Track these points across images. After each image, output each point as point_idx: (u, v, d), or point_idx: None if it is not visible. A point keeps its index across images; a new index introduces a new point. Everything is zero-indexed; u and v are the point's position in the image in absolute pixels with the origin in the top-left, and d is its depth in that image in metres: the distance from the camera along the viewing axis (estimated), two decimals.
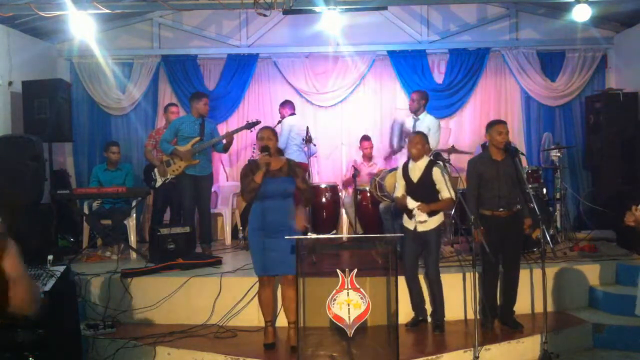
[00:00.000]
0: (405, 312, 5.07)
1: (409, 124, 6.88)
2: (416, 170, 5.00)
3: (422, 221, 4.90)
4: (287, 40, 8.19)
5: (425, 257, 5.04)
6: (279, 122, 7.31)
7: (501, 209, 4.89)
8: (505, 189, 4.88)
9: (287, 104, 7.41)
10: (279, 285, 4.82)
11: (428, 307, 5.20)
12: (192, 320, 5.29)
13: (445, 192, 4.90)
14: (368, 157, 7.42)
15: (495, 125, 4.95)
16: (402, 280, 4.92)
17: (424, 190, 4.94)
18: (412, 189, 5.00)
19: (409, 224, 5.02)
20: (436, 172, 4.92)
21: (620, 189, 6.81)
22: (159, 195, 7.05)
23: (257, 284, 5.22)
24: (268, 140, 4.54)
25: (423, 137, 5.09)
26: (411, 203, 4.93)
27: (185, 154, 6.44)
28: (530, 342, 4.84)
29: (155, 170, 6.87)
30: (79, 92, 8.10)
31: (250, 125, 6.62)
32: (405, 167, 5.11)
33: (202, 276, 5.50)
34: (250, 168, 4.56)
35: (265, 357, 4.57)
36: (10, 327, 3.00)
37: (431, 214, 4.93)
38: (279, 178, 4.50)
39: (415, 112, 6.79)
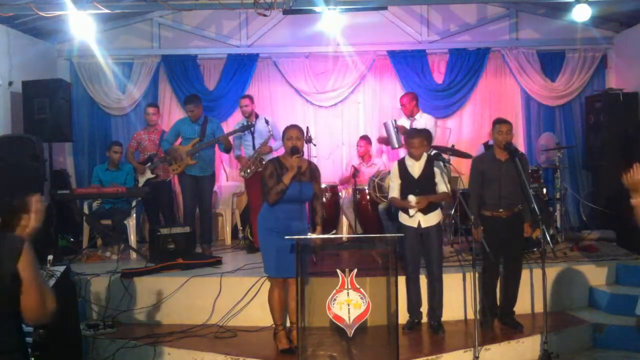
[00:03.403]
0: (406, 312, 5.07)
1: (405, 124, 6.89)
2: (416, 167, 4.98)
3: (414, 214, 4.89)
4: (287, 40, 8.19)
5: (427, 254, 5.01)
6: (247, 124, 6.72)
7: (501, 210, 4.89)
8: (507, 189, 4.87)
9: (252, 99, 7.03)
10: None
11: (423, 309, 5.16)
12: (192, 320, 5.29)
13: (442, 186, 4.91)
14: (363, 157, 7.40)
15: (497, 125, 4.96)
16: (401, 280, 4.91)
17: (425, 185, 4.91)
18: (413, 185, 4.96)
19: (409, 222, 4.98)
20: (435, 168, 4.93)
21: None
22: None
23: (258, 284, 5.26)
24: (297, 140, 4.44)
25: (422, 137, 5.05)
26: (412, 199, 4.86)
27: (181, 155, 6.46)
28: (530, 342, 4.83)
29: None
30: (79, 92, 8.09)
31: (244, 128, 6.60)
32: (403, 165, 5.05)
33: (202, 276, 5.49)
34: (275, 168, 4.41)
35: (265, 357, 4.56)
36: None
37: (431, 209, 4.91)
38: (303, 183, 4.42)
39: (410, 114, 6.81)
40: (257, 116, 6.82)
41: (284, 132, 4.55)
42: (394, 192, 5.08)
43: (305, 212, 4.57)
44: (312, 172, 4.57)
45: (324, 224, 6.35)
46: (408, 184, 4.99)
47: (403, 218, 5.04)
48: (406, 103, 6.85)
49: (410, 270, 5.04)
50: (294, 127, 4.58)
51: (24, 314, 2.22)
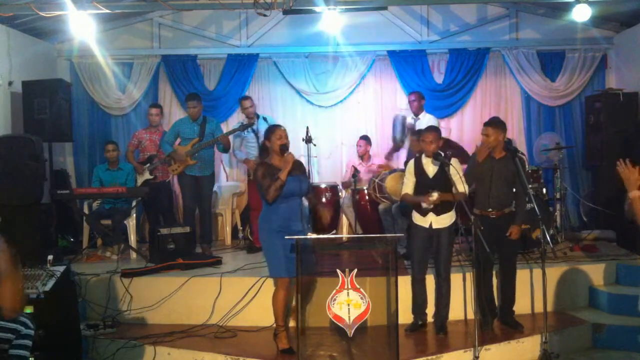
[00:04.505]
0: (407, 312, 5.06)
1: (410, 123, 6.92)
2: (430, 165, 4.91)
3: (427, 207, 4.81)
4: (287, 40, 8.19)
5: (436, 255, 4.96)
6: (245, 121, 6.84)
7: (490, 209, 4.88)
8: (497, 188, 4.86)
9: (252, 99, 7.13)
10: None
11: (429, 311, 5.14)
12: (192, 320, 5.29)
13: (460, 186, 4.76)
14: (362, 157, 7.41)
15: (483, 126, 4.97)
16: (402, 280, 4.89)
17: (441, 184, 4.81)
18: (429, 184, 4.87)
19: (421, 221, 4.91)
20: (452, 168, 4.78)
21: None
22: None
23: (258, 284, 5.27)
24: (285, 138, 4.55)
25: (436, 133, 4.97)
26: (435, 195, 4.75)
27: (181, 155, 6.46)
28: (530, 342, 4.83)
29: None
30: (79, 92, 8.10)
31: (243, 127, 6.61)
32: (419, 163, 4.97)
33: (202, 276, 5.49)
34: (265, 168, 4.46)
35: (265, 357, 4.56)
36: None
37: (445, 210, 4.86)
38: (297, 176, 4.49)
39: (416, 113, 6.85)
40: (257, 116, 6.84)
41: (272, 132, 4.58)
42: (407, 189, 5.02)
43: (305, 211, 4.60)
44: (301, 166, 4.65)
45: (324, 224, 6.36)
46: (423, 182, 4.92)
47: (415, 217, 4.97)
48: (415, 99, 6.93)
49: (417, 270, 5.01)
50: (280, 126, 4.66)
51: (2, 304, 2.32)
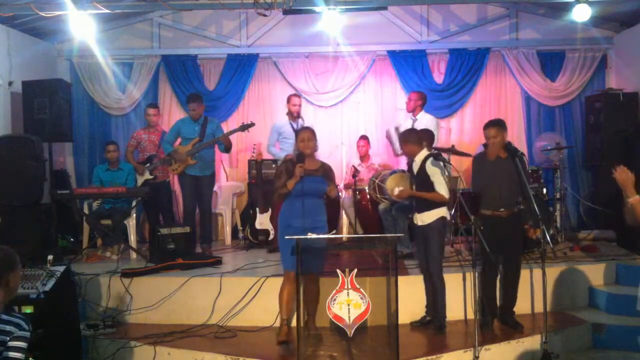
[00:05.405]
0: (407, 312, 5.05)
1: (407, 125, 6.91)
2: (416, 164, 5.07)
3: (397, 194, 5.15)
4: (287, 40, 8.19)
5: (426, 253, 5.04)
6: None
7: (502, 209, 4.90)
8: (506, 188, 4.88)
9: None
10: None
11: None
12: (192, 320, 5.29)
13: (438, 187, 4.88)
14: (362, 157, 7.42)
15: (484, 130, 4.99)
16: (402, 280, 4.89)
17: (420, 181, 4.98)
18: (414, 181, 5.12)
19: (414, 219, 5.10)
20: (428, 166, 4.91)
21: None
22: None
23: (258, 284, 5.28)
24: (309, 141, 4.62)
25: (411, 137, 5.14)
26: (395, 190, 5.15)
27: (181, 155, 6.46)
28: (530, 342, 4.83)
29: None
30: (79, 92, 8.10)
31: (244, 127, 6.63)
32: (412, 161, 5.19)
33: (202, 276, 5.49)
34: (286, 167, 4.60)
35: (265, 357, 4.56)
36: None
37: (424, 208, 4.93)
38: (317, 177, 4.59)
39: (412, 111, 6.84)
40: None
41: (297, 135, 4.75)
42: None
43: (323, 209, 4.68)
44: (327, 171, 4.74)
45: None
46: (412, 179, 5.18)
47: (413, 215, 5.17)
48: (413, 99, 6.92)
49: (420, 267, 5.21)
50: (306, 129, 4.77)
51: None
